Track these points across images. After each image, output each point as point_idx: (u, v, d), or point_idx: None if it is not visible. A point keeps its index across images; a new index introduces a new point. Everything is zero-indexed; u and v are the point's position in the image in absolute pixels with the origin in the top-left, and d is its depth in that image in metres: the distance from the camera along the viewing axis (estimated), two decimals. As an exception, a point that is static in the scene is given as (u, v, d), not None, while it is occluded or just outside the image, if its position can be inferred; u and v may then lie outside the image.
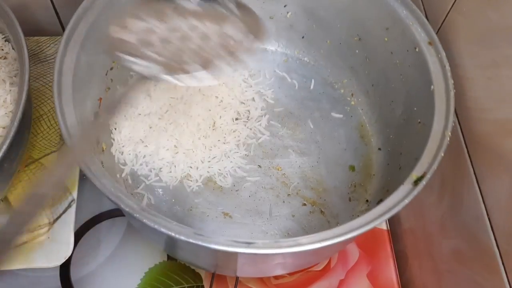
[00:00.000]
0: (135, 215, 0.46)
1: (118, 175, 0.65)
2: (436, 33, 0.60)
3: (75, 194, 0.64)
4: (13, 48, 0.66)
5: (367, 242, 0.69)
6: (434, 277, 0.63)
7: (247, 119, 0.71)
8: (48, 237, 0.61)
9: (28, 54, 0.58)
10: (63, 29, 0.81)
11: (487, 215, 0.52)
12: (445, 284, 0.61)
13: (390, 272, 0.68)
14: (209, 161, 0.67)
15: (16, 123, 0.54)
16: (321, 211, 0.66)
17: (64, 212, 0.63)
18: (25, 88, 0.56)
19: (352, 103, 0.74)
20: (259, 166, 0.69)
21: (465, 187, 0.56)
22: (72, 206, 0.63)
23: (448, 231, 0.60)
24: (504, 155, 0.49)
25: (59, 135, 0.69)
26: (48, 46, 0.77)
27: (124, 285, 0.66)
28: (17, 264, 0.60)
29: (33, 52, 0.75)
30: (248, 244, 0.46)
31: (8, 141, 0.53)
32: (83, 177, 0.72)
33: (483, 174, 0.53)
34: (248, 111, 0.71)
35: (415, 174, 0.51)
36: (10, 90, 0.62)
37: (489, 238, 0.51)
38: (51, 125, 0.70)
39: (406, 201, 0.49)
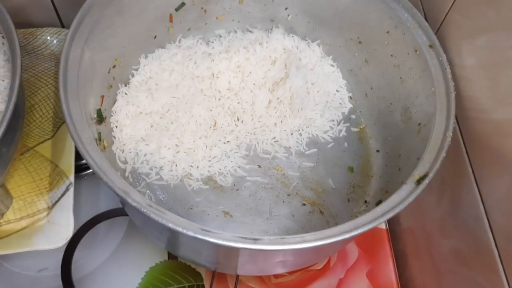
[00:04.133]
0: (142, 210, 0.46)
1: (119, 173, 0.64)
2: (435, 33, 0.61)
3: (72, 178, 0.64)
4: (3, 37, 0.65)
5: (366, 242, 0.70)
6: (433, 277, 0.64)
7: (248, 119, 0.71)
8: (48, 221, 0.62)
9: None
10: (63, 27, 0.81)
11: (486, 215, 0.52)
12: (444, 284, 0.61)
13: (390, 272, 0.68)
14: (209, 161, 0.68)
15: (11, 106, 0.54)
16: (321, 211, 0.66)
17: (62, 196, 0.63)
18: (18, 72, 0.56)
19: (351, 105, 0.74)
20: (259, 166, 0.69)
21: (464, 187, 0.57)
22: (69, 190, 0.63)
23: (447, 231, 0.61)
24: (503, 155, 0.50)
25: (52, 123, 0.70)
26: (35, 38, 0.77)
27: (125, 284, 0.65)
28: (20, 247, 0.60)
29: (20, 44, 0.75)
30: (255, 240, 0.46)
31: (5, 124, 0.53)
32: (84, 177, 0.72)
33: (482, 174, 0.54)
34: (249, 111, 0.72)
35: (417, 174, 0.52)
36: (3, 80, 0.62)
37: (488, 237, 0.52)
38: (43, 114, 0.71)
39: (410, 199, 0.49)
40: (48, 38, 0.77)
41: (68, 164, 0.66)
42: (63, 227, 0.61)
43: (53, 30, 0.77)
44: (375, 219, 0.48)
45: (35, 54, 0.76)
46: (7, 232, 0.62)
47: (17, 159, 0.67)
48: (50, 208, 0.63)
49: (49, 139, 0.69)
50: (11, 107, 0.54)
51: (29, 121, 0.70)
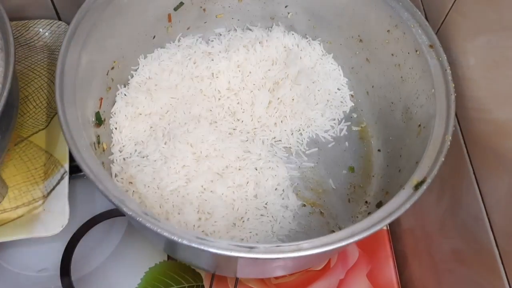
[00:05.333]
0: (138, 218, 0.46)
1: (116, 176, 0.64)
2: (436, 33, 0.60)
3: (66, 166, 0.65)
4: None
5: (366, 242, 0.70)
6: (433, 277, 0.64)
7: (248, 119, 0.71)
8: (44, 209, 0.63)
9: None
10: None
11: (487, 214, 0.52)
12: (444, 284, 0.61)
13: (390, 272, 0.68)
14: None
15: (5, 93, 0.54)
16: (321, 212, 0.66)
17: (57, 184, 0.64)
18: (12, 60, 0.56)
19: (352, 104, 0.74)
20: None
21: (464, 187, 0.56)
22: (64, 178, 0.64)
23: (448, 231, 0.60)
24: (503, 155, 0.49)
25: (45, 114, 0.71)
26: (27, 30, 0.77)
27: (124, 284, 0.66)
28: (16, 235, 0.61)
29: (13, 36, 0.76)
30: (250, 248, 0.46)
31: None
32: (82, 177, 0.73)
33: (483, 174, 0.53)
34: (249, 111, 0.71)
35: (415, 179, 0.51)
36: None
37: (488, 237, 0.51)
38: (37, 105, 0.71)
39: (407, 205, 0.49)
40: (41, 30, 0.77)
41: (63, 153, 0.66)
42: (59, 215, 0.62)
43: (46, 22, 0.77)
44: (372, 225, 0.48)
45: (28, 46, 0.76)
46: (3, 220, 0.63)
47: (12, 150, 0.67)
48: (46, 196, 0.64)
49: (43, 129, 0.70)
50: (5, 94, 0.54)
51: (23, 112, 0.71)
